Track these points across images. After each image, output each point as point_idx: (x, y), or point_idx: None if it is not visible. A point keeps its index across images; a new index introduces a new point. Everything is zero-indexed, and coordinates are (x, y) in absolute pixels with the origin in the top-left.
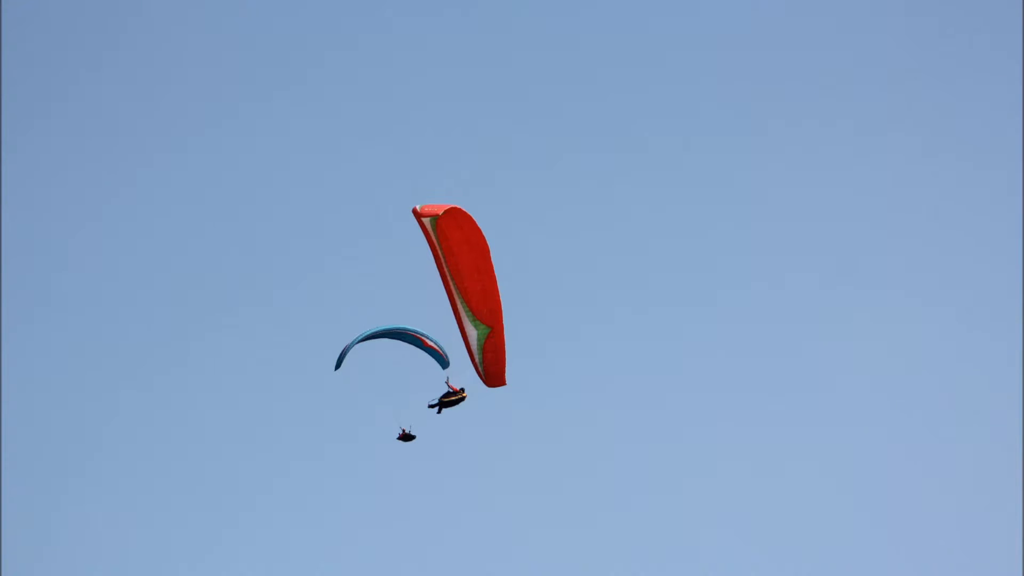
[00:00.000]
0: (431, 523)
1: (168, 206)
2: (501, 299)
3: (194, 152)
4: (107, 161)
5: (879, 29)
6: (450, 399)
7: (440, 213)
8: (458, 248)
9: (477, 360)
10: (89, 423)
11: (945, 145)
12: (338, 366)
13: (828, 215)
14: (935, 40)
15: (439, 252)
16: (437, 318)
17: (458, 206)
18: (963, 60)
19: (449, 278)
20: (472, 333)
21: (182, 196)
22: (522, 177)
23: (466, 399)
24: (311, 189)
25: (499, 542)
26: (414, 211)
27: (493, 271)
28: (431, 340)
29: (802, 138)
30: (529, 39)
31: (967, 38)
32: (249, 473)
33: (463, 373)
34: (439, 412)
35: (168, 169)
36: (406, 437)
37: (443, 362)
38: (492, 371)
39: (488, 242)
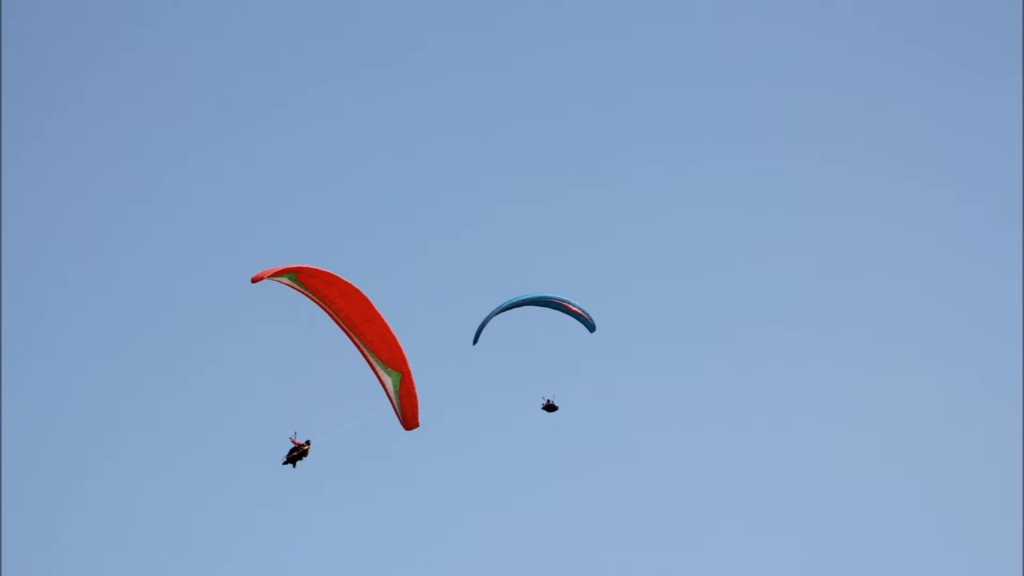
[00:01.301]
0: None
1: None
2: (401, 344)
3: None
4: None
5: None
6: (294, 455)
7: (269, 276)
8: (341, 302)
9: (396, 405)
10: (90, 423)
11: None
12: (476, 340)
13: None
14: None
15: (327, 310)
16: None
17: (306, 265)
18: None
19: (349, 332)
20: (387, 381)
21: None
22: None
23: (309, 453)
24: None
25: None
26: (254, 280)
27: (382, 318)
28: (575, 305)
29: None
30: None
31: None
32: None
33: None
34: (294, 467)
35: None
36: (550, 407)
37: (590, 326)
38: (408, 415)
39: (363, 291)
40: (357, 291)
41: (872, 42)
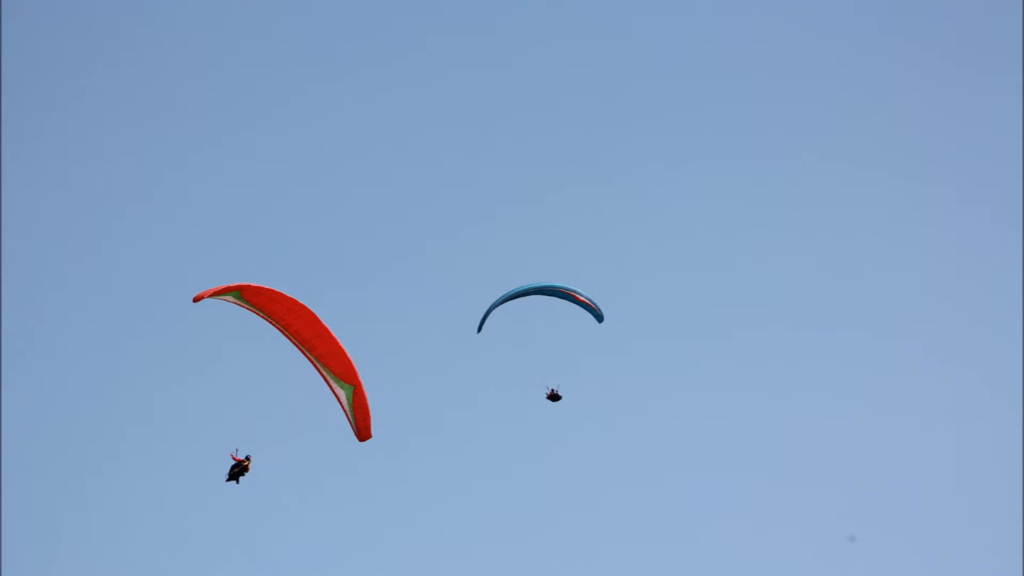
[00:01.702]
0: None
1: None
2: (351, 358)
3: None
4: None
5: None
6: (235, 471)
7: (210, 295)
8: (290, 318)
9: (350, 418)
10: (89, 424)
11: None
12: (480, 328)
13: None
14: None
15: (277, 326)
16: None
17: (250, 284)
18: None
19: (301, 347)
20: (341, 394)
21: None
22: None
23: (249, 469)
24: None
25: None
26: (196, 299)
27: (331, 333)
28: (583, 295)
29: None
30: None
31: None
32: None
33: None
34: (238, 483)
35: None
36: (554, 397)
37: (598, 316)
38: (361, 426)
39: (308, 305)
40: (304, 307)
41: (872, 42)
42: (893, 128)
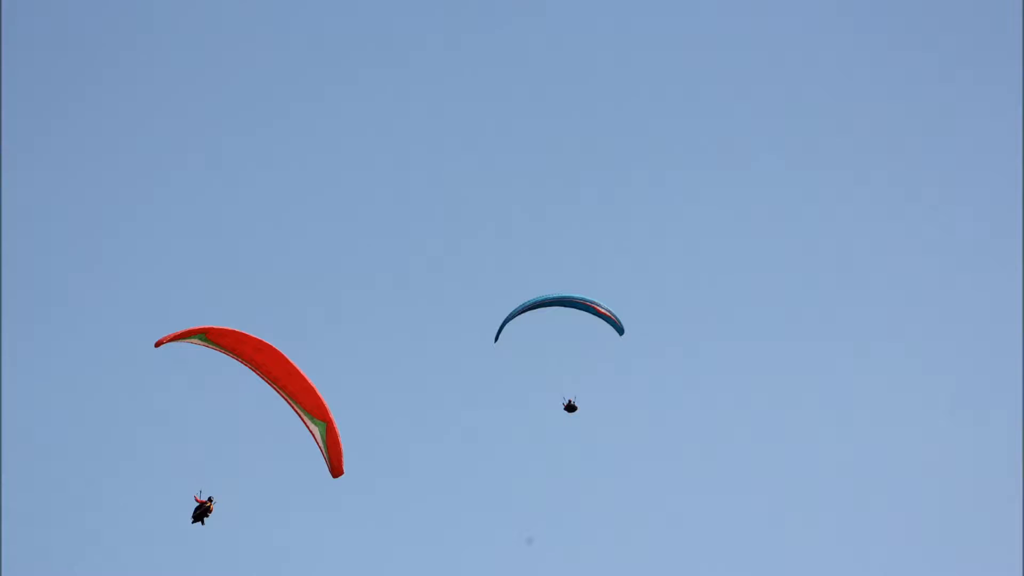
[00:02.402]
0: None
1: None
2: (321, 395)
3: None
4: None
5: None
6: (198, 513)
7: (171, 339)
8: (260, 357)
9: (324, 454)
10: (90, 427)
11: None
12: (497, 338)
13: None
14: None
15: (249, 366)
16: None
17: (212, 326)
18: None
19: (274, 385)
20: (315, 430)
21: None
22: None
23: (212, 511)
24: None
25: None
26: (157, 344)
27: (299, 371)
28: (603, 307)
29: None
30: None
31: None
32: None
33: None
34: (203, 524)
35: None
36: (571, 408)
37: (619, 328)
38: (334, 463)
39: (273, 344)
40: (270, 346)
41: (873, 42)
42: (891, 128)
